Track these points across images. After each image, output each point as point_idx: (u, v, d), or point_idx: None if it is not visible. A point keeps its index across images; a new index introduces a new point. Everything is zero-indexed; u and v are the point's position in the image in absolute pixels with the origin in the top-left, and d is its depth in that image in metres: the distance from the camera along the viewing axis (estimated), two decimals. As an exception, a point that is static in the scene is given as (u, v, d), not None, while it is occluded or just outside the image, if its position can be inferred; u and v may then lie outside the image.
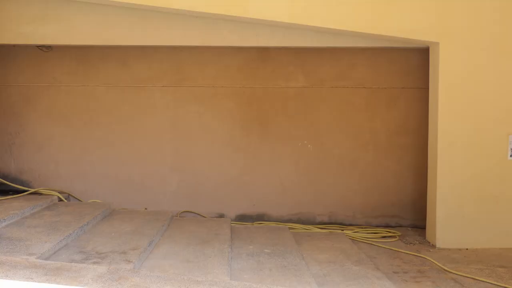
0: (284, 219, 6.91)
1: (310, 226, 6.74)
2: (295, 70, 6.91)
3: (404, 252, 5.65)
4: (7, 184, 6.74)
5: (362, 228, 6.70)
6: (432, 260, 5.35)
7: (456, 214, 5.89)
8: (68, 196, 6.76)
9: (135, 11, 6.11)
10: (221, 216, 6.91)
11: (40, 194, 6.49)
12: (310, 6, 5.78)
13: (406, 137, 6.90)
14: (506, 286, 4.63)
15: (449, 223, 5.90)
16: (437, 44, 5.89)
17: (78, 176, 6.93)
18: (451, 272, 4.98)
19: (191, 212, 6.93)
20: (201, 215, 6.91)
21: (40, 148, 6.93)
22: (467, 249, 5.86)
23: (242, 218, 6.94)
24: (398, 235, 6.39)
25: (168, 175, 6.97)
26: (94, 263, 4.05)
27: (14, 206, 5.47)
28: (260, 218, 6.94)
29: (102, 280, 3.39)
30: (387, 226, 6.86)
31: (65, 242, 4.55)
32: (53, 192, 6.51)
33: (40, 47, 6.78)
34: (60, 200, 6.41)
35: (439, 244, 5.91)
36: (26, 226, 4.87)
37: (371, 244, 6.02)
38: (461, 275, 4.89)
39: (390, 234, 6.42)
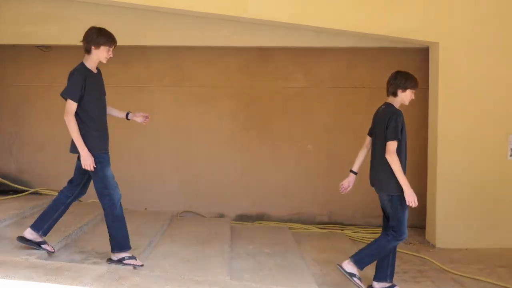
0: (284, 219, 6.90)
1: (310, 226, 6.74)
2: (295, 70, 6.91)
3: (404, 252, 5.65)
4: (7, 184, 6.74)
5: (362, 228, 6.70)
6: (432, 260, 5.35)
7: (456, 214, 5.89)
8: (68, 196, 6.75)
9: (135, 11, 6.11)
10: (221, 216, 6.90)
11: (40, 194, 6.50)
12: (310, 6, 5.77)
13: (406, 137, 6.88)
14: (506, 286, 4.63)
15: (449, 223, 5.90)
16: (437, 44, 5.89)
17: (78, 176, 6.91)
18: (451, 272, 4.98)
19: (191, 212, 6.93)
20: (201, 215, 6.90)
21: (40, 148, 6.93)
22: (467, 249, 5.85)
23: (242, 218, 6.93)
24: (398, 235, 6.38)
25: (168, 175, 6.97)
26: (94, 263, 4.05)
27: (14, 206, 5.48)
28: (260, 218, 6.94)
29: (102, 280, 3.39)
30: (387, 226, 6.85)
31: (65, 242, 4.56)
32: (53, 192, 6.51)
33: (40, 47, 6.77)
34: (60, 200, 6.41)
35: (439, 244, 5.91)
36: (26, 226, 4.82)
37: (371, 244, 6.01)
38: (461, 275, 4.89)
39: (390, 234, 6.41)
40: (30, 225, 4.07)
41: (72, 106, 3.90)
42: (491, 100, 5.88)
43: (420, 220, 6.69)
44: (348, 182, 4.57)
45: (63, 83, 6.83)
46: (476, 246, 5.87)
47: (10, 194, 6.32)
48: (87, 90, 3.93)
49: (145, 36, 6.29)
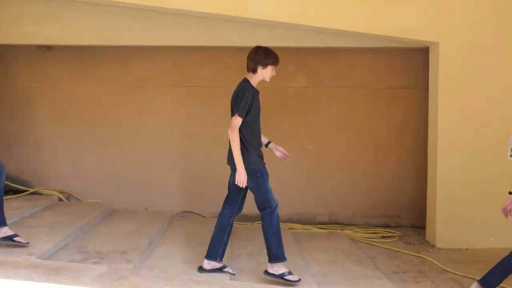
0: (284, 219, 6.85)
1: (310, 226, 6.73)
2: (295, 70, 6.91)
3: (404, 252, 5.65)
4: (7, 184, 6.70)
5: (362, 228, 6.70)
6: (432, 260, 5.35)
7: (456, 214, 5.89)
8: (68, 196, 6.76)
9: (135, 11, 6.11)
10: (221, 216, 6.89)
11: (40, 194, 6.49)
12: (310, 6, 5.77)
13: (406, 137, 6.90)
14: (506, 286, 4.63)
15: (449, 223, 5.90)
16: (437, 44, 5.89)
17: (78, 176, 6.92)
18: (451, 272, 4.98)
19: (191, 212, 6.93)
20: (201, 215, 6.90)
21: (40, 148, 6.93)
22: (467, 249, 5.85)
23: (242, 218, 6.89)
24: (398, 235, 6.39)
25: (168, 175, 6.97)
26: (95, 263, 4.05)
27: (14, 206, 5.48)
28: (260, 218, 6.91)
29: (102, 280, 3.39)
30: (387, 226, 6.86)
31: (65, 242, 4.55)
32: (53, 192, 6.52)
33: (40, 47, 6.77)
34: (60, 200, 6.42)
35: (439, 244, 5.91)
36: (26, 226, 4.88)
37: (371, 244, 6.02)
38: (461, 275, 4.89)
39: (389, 234, 6.42)
40: (207, 256, 4.14)
41: (238, 121, 3.98)
42: (491, 100, 5.87)
43: (420, 220, 6.70)
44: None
45: (63, 83, 6.94)
46: (476, 246, 5.87)
47: (10, 194, 6.31)
48: (253, 107, 4.05)
49: (145, 36, 6.29)
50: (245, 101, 4.00)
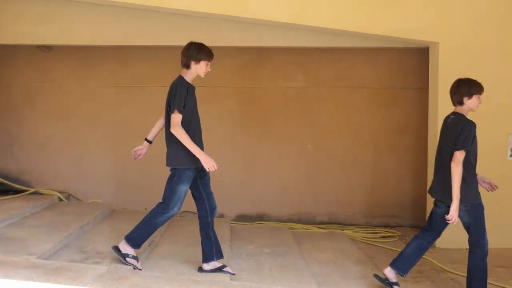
0: (284, 219, 6.90)
1: (310, 226, 6.74)
2: (295, 70, 6.91)
3: (404, 252, 5.64)
4: (7, 184, 6.74)
5: (362, 228, 6.70)
6: (431, 260, 5.35)
7: (456, 214, 5.88)
8: (68, 196, 6.76)
9: (135, 11, 6.11)
10: (221, 216, 6.90)
11: (40, 194, 6.49)
12: (310, 6, 5.78)
13: (406, 137, 6.90)
14: (506, 286, 4.64)
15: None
16: (437, 44, 5.89)
17: (78, 176, 6.92)
18: (451, 272, 4.98)
19: (191, 212, 6.92)
20: (201, 215, 6.89)
21: (40, 148, 6.93)
22: (467, 249, 5.82)
23: (242, 218, 6.93)
24: (398, 235, 6.39)
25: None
26: (95, 263, 4.05)
27: (14, 206, 5.48)
28: (260, 218, 6.93)
29: (102, 280, 3.39)
30: (387, 226, 6.86)
31: (66, 242, 4.55)
32: (53, 192, 6.51)
33: (40, 47, 6.78)
34: (60, 200, 6.41)
35: (439, 244, 5.90)
36: (26, 226, 4.88)
37: (371, 244, 6.02)
38: (461, 275, 4.89)
39: (390, 234, 6.42)
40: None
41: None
42: (491, 100, 5.84)
43: (420, 220, 6.71)
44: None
45: (63, 83, 6.94)
46: (476, 246, 5.85)
47: (10, 194, 6.32)
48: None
49: (145, 36, 6.29)
50: (467, 135, 4.13)
